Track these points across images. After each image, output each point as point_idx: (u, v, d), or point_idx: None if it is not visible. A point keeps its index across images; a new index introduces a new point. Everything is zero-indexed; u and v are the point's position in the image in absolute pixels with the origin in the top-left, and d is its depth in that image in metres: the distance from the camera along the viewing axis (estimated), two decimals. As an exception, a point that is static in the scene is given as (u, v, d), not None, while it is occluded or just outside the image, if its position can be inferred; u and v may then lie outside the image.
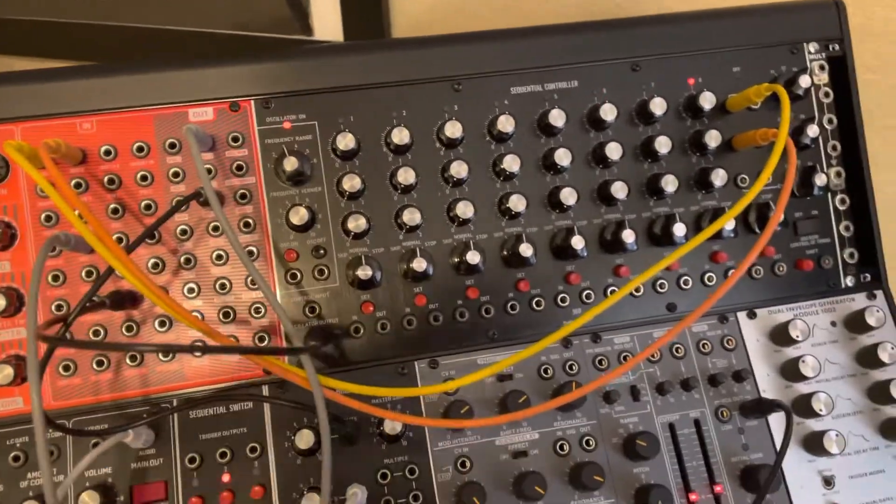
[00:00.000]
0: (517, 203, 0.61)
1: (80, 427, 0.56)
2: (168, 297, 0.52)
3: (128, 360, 0.57)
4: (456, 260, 0.62)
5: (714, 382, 0.62)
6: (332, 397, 0.53)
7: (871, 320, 0.63)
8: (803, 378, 0.62)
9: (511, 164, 0.61)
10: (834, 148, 0.67)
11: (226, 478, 0.56)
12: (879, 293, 0.67)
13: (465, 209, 0.60)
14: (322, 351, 0.60)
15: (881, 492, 0.62)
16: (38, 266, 0.47)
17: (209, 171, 0.59)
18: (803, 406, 0.61)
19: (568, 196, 0.61)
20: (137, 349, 0.57)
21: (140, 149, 0.59)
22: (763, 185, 0.54)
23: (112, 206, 0.58)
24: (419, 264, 0.59)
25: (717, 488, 0.60)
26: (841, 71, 0.67)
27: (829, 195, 0.67)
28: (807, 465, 0.61)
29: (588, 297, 0.63)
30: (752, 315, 0.65)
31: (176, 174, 0.59)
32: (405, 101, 0.62)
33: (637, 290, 0.64)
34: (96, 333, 0.57)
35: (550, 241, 0.63)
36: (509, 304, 0.62)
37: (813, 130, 0.64)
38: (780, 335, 0.63)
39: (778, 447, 0.61)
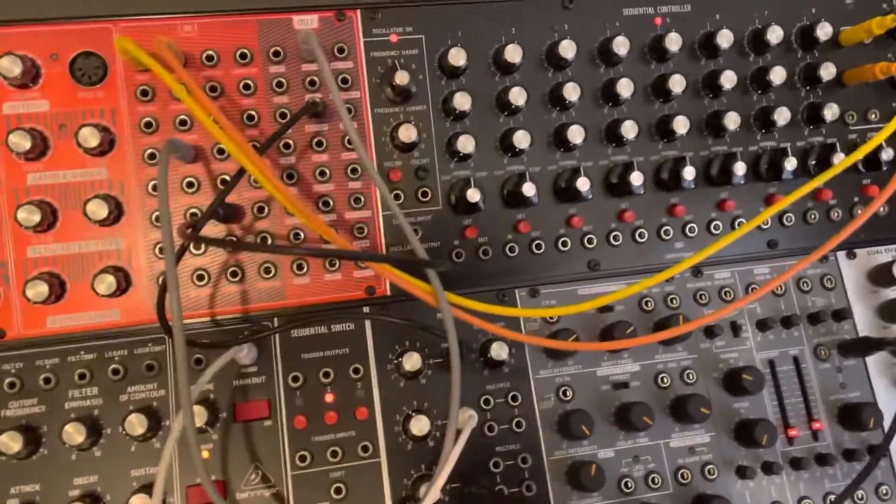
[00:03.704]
0: (629, 130, 0.59)
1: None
2: (301, 203, 0.50)
3: (228, 276, 0.56)
4: (563, 185, 0.60)
5: (814, 321, 0.62)
6: (456, 314, 0.51)
7: (973, 264, 0.62)
8: (903, 319, 0.61)
9: (623, 89, 0.59)
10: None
11: (329, 398, 0.55)
12: (979, 238, 0.66)
13: (574, 134, 0.58)
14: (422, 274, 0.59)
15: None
16: (164, 171, 0.44)
17: (312, 83, 0.56)
18: (902, 347, 0.61)
19: (681, 125, 0.59)
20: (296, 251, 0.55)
21: (243, 55, 0.56)
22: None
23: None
24: (528, 189, 0.57)
25: (816, 425, 0.59)
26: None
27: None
28: (903, 404, 0.61)
29: (692, 230, 0.62)
30: (851, 255, 0.64)
31: (279, 84, 0.56)
32: (515, 18, 0.59)
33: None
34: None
35: (656, 171, 0.61)
36: (612, 235, 0.61)
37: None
38: (880, 276, 0.63)
39: (875, 388, 0.61)
